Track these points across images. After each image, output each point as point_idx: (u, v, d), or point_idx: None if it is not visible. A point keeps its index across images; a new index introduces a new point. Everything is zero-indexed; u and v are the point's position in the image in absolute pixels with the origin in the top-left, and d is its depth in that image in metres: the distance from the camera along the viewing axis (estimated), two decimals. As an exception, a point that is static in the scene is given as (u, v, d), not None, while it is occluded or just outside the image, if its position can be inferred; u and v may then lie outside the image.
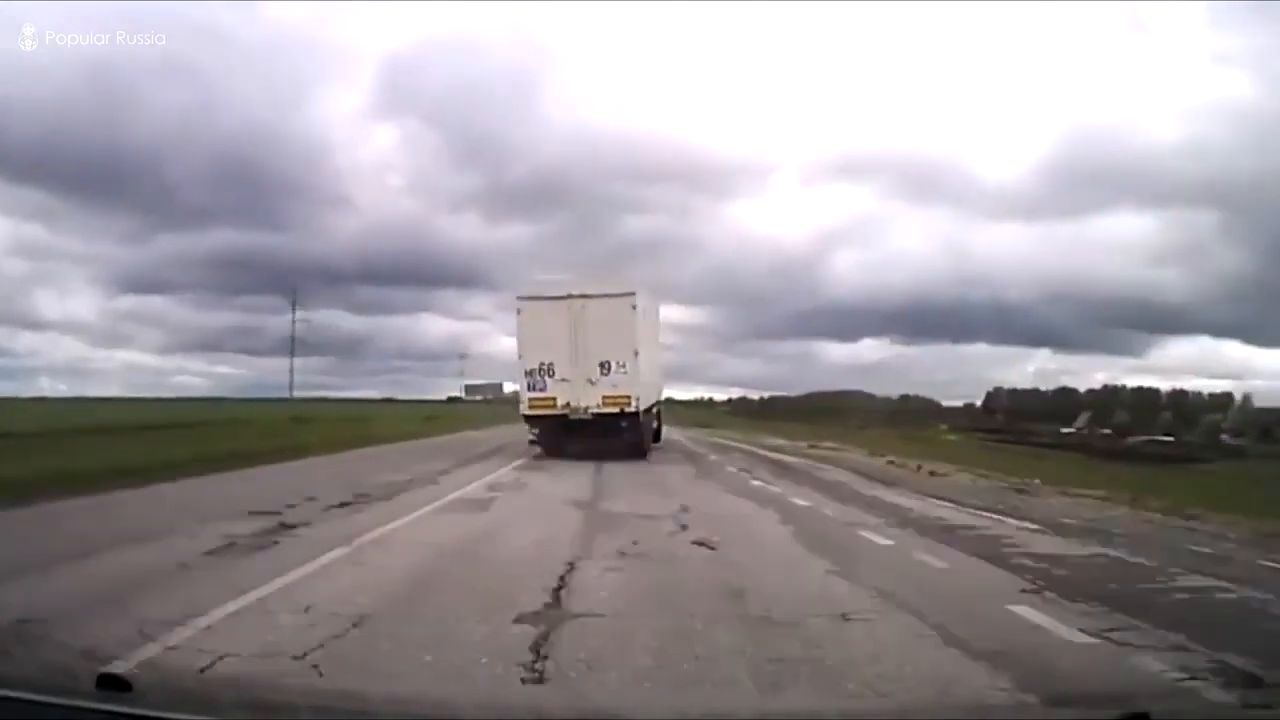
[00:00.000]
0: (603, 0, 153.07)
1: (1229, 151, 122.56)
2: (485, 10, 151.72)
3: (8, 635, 3.83)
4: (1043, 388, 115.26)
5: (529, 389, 19.92)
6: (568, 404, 19.69)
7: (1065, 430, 78.50)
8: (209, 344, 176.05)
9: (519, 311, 20.22)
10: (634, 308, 19.96)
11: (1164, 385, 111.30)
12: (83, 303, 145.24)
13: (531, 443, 21.37)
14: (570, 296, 19.80)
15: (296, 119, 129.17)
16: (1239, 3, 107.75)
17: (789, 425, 55.92)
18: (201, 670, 3.08)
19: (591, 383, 19.61)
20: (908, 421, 76.87)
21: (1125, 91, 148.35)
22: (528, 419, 20.69)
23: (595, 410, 19.63)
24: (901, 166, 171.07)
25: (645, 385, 20.92)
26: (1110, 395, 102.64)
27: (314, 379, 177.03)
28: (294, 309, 64.32)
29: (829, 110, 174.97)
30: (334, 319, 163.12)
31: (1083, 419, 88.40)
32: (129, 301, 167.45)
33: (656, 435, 26.21)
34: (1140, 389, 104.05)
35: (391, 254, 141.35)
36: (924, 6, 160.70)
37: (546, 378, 19.78)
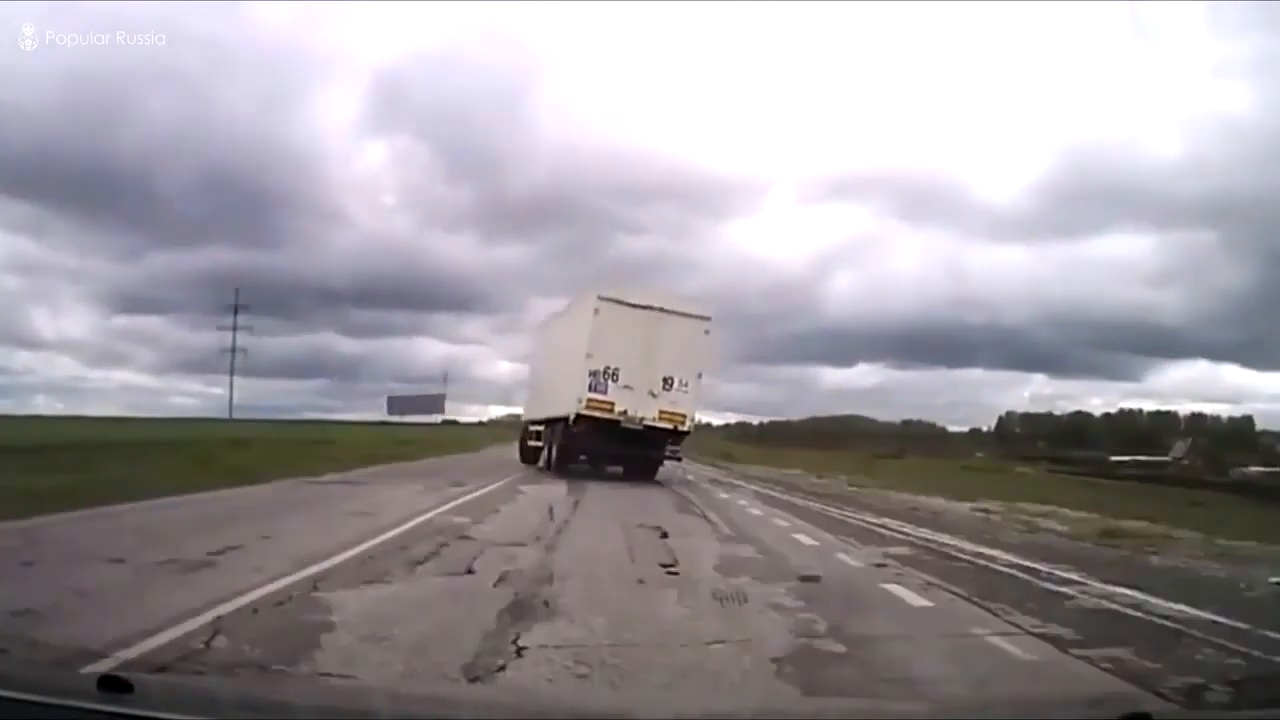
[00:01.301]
0: (596, 15, 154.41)
1: (1229, 169, 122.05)
2: (477, 25, 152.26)
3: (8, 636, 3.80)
4: (1055, 412, 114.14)
5: (589, 389, 19.65)
6: (624, 412, 19.67)
7: (1137, 459, 70.56)
8: (203, 365, 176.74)
9: (596, 311, 20.01)
10: (707, 332, 20.44)
11: (1158, 409, 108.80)
12: (76, 321, 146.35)
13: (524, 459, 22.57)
14: (650, 308, 20.07)
15: (288, 135, 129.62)
16: (1239, 13, 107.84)
17: (810, 454, 49.11)
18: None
19: (653, 395, 19.80)
20: (929, 449, 73.33)
21: (1124, 107, 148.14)
22: (579, 419, 19.93)
23: (650, 423, 19.77)
24: (897, 186, 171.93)
25: (696, 409, 21.06)
26: (1126, 420, 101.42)
27: (311, 400, 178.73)
28: (235, 318, 57.54)
29: (824, 128, 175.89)
30: (330, 341, 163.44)
31: (1181, 447, 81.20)
32: (123, 321, 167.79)
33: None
34: (1158, 413, 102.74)
35: (386, 276, 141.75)
36: (920, 24, 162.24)
37: (610, 381, 19.71)
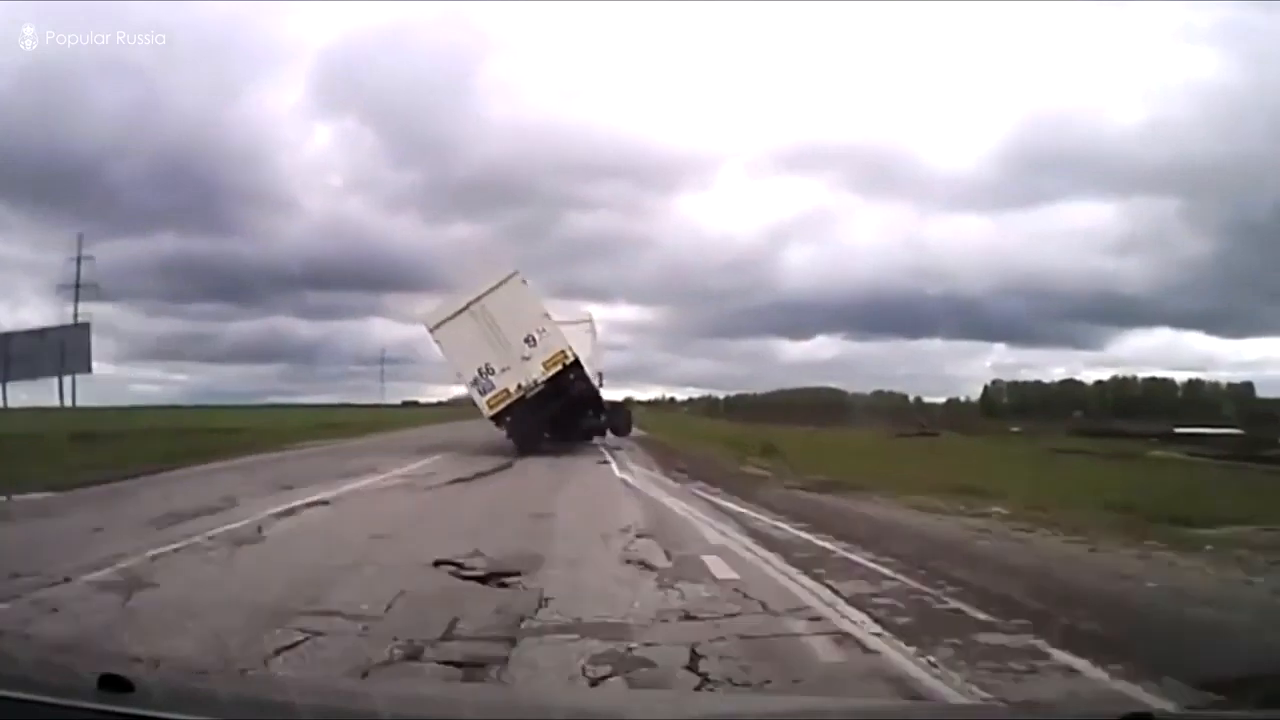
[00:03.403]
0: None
1: (1193, 135, 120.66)
2: (420, 5, 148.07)
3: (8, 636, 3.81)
4: (1044, 380, 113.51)
5: (481, 393, 21.56)
6: (520, 385, 21.41)
7: (1206, 431, 50.30)
8: (165, 351, 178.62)
9: (439, 341, 22.04)
10: (524, 282, 22.26)
11: (1152, 376, 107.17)
12: (33, 312, 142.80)
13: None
14: (470, 303, 21.83)
15: (236, 121, 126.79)
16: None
17: (810, 433, 40.96)
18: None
19: (526, 358, 21.47)
20: (939, 423, 63.22)
21: (1086, 73, 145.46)
22: (497, 420, 22.01)
23: (543, 378, 21.43)
24: (852, 157, 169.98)
25: (571, 340, 22.65)
26: (1119, 387, 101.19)
27: (271, 385, 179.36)
28: (78, 275, 44.84)
29: (774, 100, 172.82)
30: (286, 325, 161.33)
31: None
32: (79, 309, 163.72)
33: (627, 426, 27.69)
34: (1152, 380, 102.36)
35: (339, 258, 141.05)
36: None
37: (491, 377, 21.50)
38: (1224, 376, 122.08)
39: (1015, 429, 60.43)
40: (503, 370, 21.40)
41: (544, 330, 21.65)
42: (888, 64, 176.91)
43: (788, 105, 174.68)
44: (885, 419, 66.10)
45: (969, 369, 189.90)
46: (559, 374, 21.51)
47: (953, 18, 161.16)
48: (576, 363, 21.91)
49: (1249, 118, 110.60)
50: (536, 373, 21.36)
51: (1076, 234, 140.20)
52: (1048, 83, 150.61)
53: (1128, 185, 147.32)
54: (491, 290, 21.81)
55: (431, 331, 22.09)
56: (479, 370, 21.51)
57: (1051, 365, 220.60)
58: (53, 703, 1.90)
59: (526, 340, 21.39)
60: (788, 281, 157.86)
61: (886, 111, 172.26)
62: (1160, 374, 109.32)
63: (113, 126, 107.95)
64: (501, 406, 21.54)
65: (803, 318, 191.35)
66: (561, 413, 22.51)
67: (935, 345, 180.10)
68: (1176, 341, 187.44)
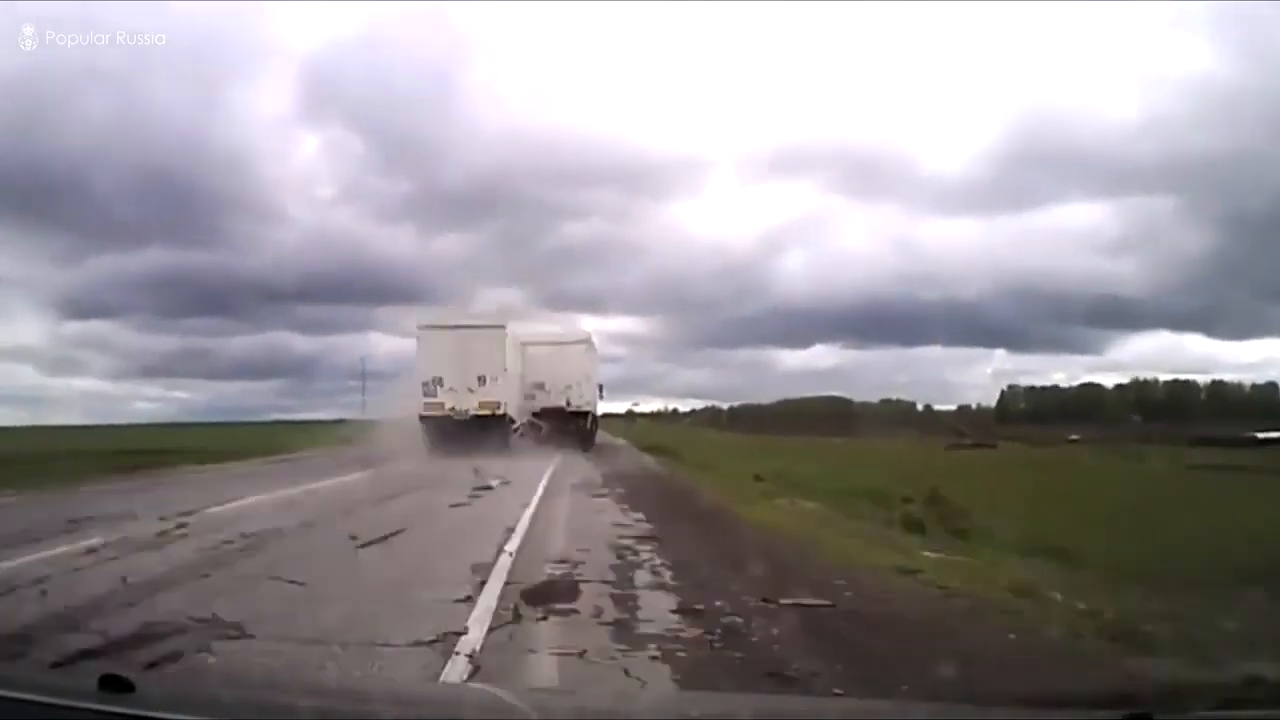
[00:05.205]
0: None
1: (1188, 131, 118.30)
2: (400, 10, 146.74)
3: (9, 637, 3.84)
4: (1061, 384, 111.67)
5: (424, 395, 25.78)
6: (453, 407, 25.62)
7: None
8: (162, 368, 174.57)
9: (419, 338, 26.49)
10: (503, 338, 26.47)
11: (1174, 378, 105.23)
12: (30, 330, 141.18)
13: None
14: (458, 327, 26.34)
15: (224, 131, 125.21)
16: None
17: (844, 447, 38.70)
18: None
19: (471, 391, 25.73)
20: (984, 433, 60.52)
21: (1077, 68, 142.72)
22: (423, 419, 25.78)
23: (473, 412, 25.60)
24: (843, 161, 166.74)
25: (515, 394, 27.37)
26: (1141, 390, 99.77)
27: (271, 401, 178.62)
28: None
29: (763, 103, 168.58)
30: (281, 340, 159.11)
31: None
32: (75, 327, 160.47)
33: (591, 436, 31.66)
34: (1174, 382, 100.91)
35: (331, 271, 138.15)
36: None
37: (438, 387, 25.78)
38: (1232, 378, 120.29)
39: (1074, 437, 55.08)
40: (448, 389, 25.68)
41: (496, 380, 25.85)
42: (877, 65, 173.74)
43: (777, 109, 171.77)
44: (908, 428, 64.70)
45: (970, 375, 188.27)
46: (485, 415, 25.59)
47: (941, 17, 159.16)
48: (503, 416, 25.96)
49: (1245, 112, 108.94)
50: (470, 406, 25.61)
51: (1072, 236, 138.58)
52: (1038, 81, 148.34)
53: (1122, 184, 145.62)
54: (479, 327, 26.30)
55: (420, 329, 26.52)
56: (433, 378, 25.75)
57: (1051, 370, 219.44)
58: (53, 703, 1.91)
59: (479, 379, 25.69)
60: (784, 289, 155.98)
61: (877, 113, 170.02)
62: (1182, 376, 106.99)
63: (97, 138, 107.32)
64: (431, 413, 25.63)
65: (800, 326, 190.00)
66: (477, 432, 25.53)
67: (935, 352, 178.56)
68: (1176, 344, 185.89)
